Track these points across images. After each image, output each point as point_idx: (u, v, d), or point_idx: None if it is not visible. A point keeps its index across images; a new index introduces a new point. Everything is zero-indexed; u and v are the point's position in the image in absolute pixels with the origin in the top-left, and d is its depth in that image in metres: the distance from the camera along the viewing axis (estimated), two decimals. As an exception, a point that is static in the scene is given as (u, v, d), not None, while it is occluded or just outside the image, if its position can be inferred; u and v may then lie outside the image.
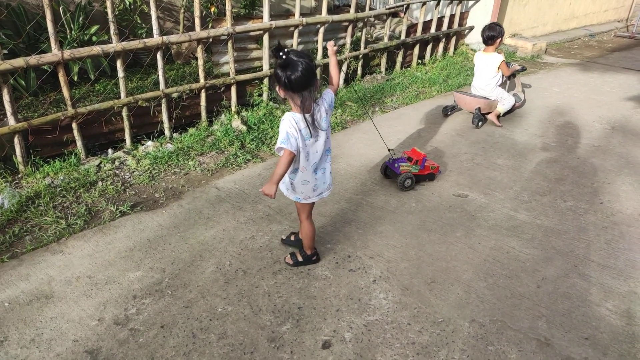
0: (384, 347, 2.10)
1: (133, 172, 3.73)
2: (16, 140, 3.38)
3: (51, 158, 3.67)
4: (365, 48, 6.07)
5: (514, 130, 4.83)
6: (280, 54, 2.02)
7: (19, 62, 3.14)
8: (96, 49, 3.49)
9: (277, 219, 3.13)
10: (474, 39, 7.93)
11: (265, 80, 5.04)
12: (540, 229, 3.05)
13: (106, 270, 2.58)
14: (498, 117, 4.98)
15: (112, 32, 3.58)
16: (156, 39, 3.85)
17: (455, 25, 7.51)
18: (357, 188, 3.58)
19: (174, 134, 4.38)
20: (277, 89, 2.10)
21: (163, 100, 4.16)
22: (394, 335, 2.17)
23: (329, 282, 2.53)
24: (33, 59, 3.19)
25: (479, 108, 4.88)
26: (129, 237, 2.89)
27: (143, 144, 4.14)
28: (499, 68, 4.76)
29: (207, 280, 2.53)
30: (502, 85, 5.04)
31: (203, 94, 4.47)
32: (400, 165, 3.53)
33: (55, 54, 3.30)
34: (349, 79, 6.15)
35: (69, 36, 4.01)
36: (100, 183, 3.49)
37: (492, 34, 4.73)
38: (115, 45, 3.59)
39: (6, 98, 3.21)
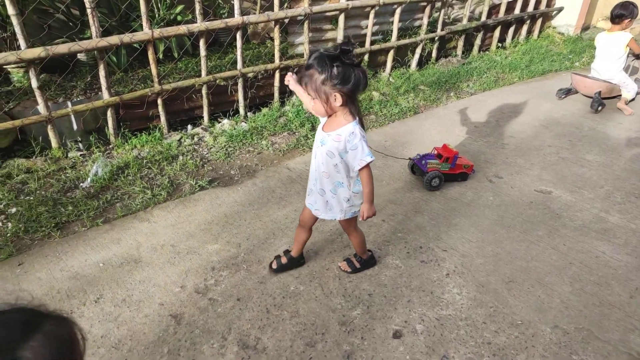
0: (457, 344, 2.06)
1: (210, 148, 3.88)
2: (109, 113, 3.63)
3: (138, 131, 3.91)
4: (442, 30, 5.82)
5: (607, 124, 4.45)
6: (350, 48, 1.71)
7: (114, 39, 3.34)
8: (182, 29, 3.63)
9: (348, 203, 3.13)
10: (563, 21, 7.35)
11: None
12: (635, 234, 2.81)
13: (187, 241, 2.73)
14: (626, 103, 4.72)
15: (197, 11, 3.69)
16: (237, 18, 3.92)
17: (543, 6, 6.99)
18: (431, 177, 3.49)
19: (248, 113, 4.49)
20: (334, 94, 1.77)
21: (240, 80, 4.26)
22: (468, 333, 2.11)
23: (399, 272, 2.50)
24: (127, 37, 3.38)
25: (599, 92, 4.60)
26: (208, 211, 3.03)
27: (220, 122, 4.29)
28: (627, 46, 4.42)
29: (279, 259, 2.59)
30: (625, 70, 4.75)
31: (277, 75, 4.53)
32: (428, 163, 3.26)
33: (146, 32, 3.47)
34: (422, 62, 5.95)
35: (157, 15, 4.20)
36: (181, 157, 3.67)
37: (622, 13, 4.39)
38: (199, 25, 3.70)
39: (102, 73, 3.44)
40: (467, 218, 2.97)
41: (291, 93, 4.78)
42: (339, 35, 4.86)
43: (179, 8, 4.38)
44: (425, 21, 5.59)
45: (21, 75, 3.90)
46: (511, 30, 6.79)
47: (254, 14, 5.24)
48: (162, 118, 3.95)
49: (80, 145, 3.67)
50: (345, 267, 2.49)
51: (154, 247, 2.67)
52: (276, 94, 4.62)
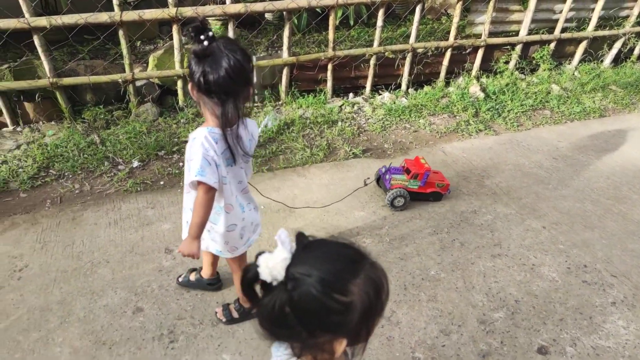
0: (614, 381, 1.82)
1: (368, 119, 3.94)
2: (284, 71, 3.91)
3: (306, 92, 4.15)
4: (656, 24, 4.91)
5: None
6: (202, 37, 1.32)
7: (303, 2, 3.53)
8: (366, -3, 3.67)
9: (504, 201, 2.93)
10: None
11: (518, 47, 4.59)
12: None
13: (338, 204, 2.85)
14: None
15: (383, -19, 3.69)
16: (420, -9, 3.83)
17: None
18: (610, 192, 3.05)
19: (410, 89, 4.42)
20: (189, 87, 1.44)
21: (409, 54, 4.20)
22: (629, 373, 1.86)
23: (555, 286, 2.28)
24: (314, 1, 3.55)
25: None
26: (358, 178, 3.11)
27: (380, 94, 4.31)
28: None
29: (423, 240, 2.57)
30: None
31: (448, 53, 4.34)
32: (393, 178, 2.79)
33: (333, -2, 3.60)
34: (620, 59, 5.13)
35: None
36: (340, 123, 3.80)
37: None
38: (383, -6, 3.71)
39: (286, 33, 3.69)
40: (649, 246, 2.55)
41: (458, 74, 4.56)
42: (526, 18, 4.43)
43: (364, -23, 4.43)
44: (636, 11, 4.77)
45: (218, 27, 4.39)
46: None
47: (435, -12, 5.05)
48: (329, 83, 4.11)
49: (256, 97, 4.04)
50: (219, 314, 2.02)
51: (307, 201, 2.85)
52: (442, 73, 4.45)
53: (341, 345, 0.82)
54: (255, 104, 3.94)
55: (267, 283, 0.79)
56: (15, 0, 2.94)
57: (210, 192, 1.50)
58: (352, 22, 4.53)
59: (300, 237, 0.84)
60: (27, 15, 2.97)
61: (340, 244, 0.85)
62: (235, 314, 2.01)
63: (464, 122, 3.92)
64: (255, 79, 1.50)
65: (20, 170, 2.97)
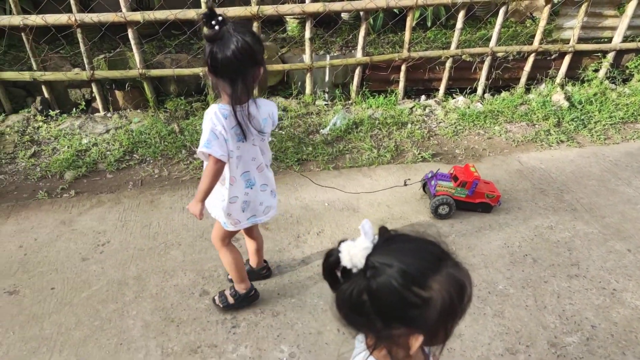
0: None
1: (439, 122, 3.84)
2: (357, 71, 3.90)
3: (376, 92, 4.12)
4: None
5: None
6: (213, 22, 1.43)
7: (381, 2, 3.51)
8: (447, -2, 3.58)
9: (585, 219, 2.72)
10: None
11: (610, 55, 4.25)
12: None
13: (401, 206, 2.81)
14: None
15: (466, -19, 3.57)
16: (506, -7, 3.66)
17: None
18: None
19: (486, 94, 4.25)
20: (206, 69, 1.55)
21: (488, 58, 4.03)
22: None
23: (638, 315, 2.08)
24: (393, 1, 3.51)
25: None
26: (415, 184, 3.04)
27: (454, 98, 4.18)
28: None
29: (492, 252, 2.45)
30: None
31: (531, 59, 4.12)
32: (439, 185, 2.66)
33: (411, -2, 3.54)
34: None
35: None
36: (409, 125, 3.74)
37: None
38: (465, -4, 3.59)
39: (362, 33, 3.69)
40: None
41: (540, 80, 4.31)
42: (622, 24, 4.09)
43: (445, -23, 4.31)
44: None
45: (295, 25, 4.48)
46: None
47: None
48: (401, 84, 4.05)
49: (327, 95, 4.08)
50: (217, 300, 2.07)
51: (371, 202, 2.83)
52: (523, 79, 4.23)
53: (417, 341, 0.81)
54: (326, 102, 3.98)
55: (347, 270, 0.81)
56: (115, -4, 3.19)
57: (218, 164, 1.61)
58: (429, 24, 4.43)
59: (383, 230, 0.85)
60: (124, 10, 3.22)
61: (425, 240, 0.84)
62: (231, 300, 2.05)
63: (544, 131, 3.69)
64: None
65: (108, 153, 3.22)
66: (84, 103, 3.71)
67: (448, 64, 4.00)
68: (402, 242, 0.83)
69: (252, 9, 3.34)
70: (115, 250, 2.40)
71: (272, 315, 2.06)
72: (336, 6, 3.49)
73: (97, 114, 3.66)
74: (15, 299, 2.11)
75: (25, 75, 3.43)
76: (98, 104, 3.66)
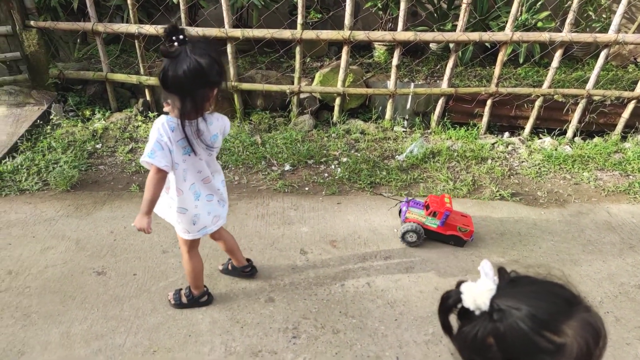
0: None
1: (522, 162, 3.68)
2: (440, 101, 3.88)
3: (457, 124, 4.06)
4: None
5: None
6: (173, 38, 1.45)
7: (474, 36, 3.49)
8: (544, 36, 3.47)
9: (683, 283, 2.47)
10: None
11: None
12: None
13: (475, 242, 2.71)
14: None
15: (568, 21, 3.45)
16: (610, 35, 3.48)
17: None
18: None
19: (576, 138, 4.02)
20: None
21: (583, 101, 3.83)
22: None
23: None
24: (486, 35, 3.48)
25: None
26: (502, 222, 2.92)
27: (540, 138, 4.01)
28: None
29: (570, 305, 2.29)
30: None
31: (630, 105, 3.86)
32: (409, 211, 2.62)
33: (506, 34, 3.48)
34: None
35: (519, 18, 4.15)
36: (489, 161, 3.63)
37: None
38: (564, 35, 3.46)
39: (450, 64, 3.68)
40: None
41: (638, 129, 4.00)
42: None
43: (544, 14, 4.20)
44: None
45: (382, 52, 4.56)
46: None
47: (626, 32, 4.54)
48: (484, 119, 3.96)
49: (406, 123, 4.08)
50: (170, 297, 2.16)
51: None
52: (619, 126, 3.96)
53: None
54: (404, 129, 3.99)
55: (467, 312, 0.80)
56: (220, 12, 3.46)
57: (159, 173, 1.65)
58: (521, 60, 4.31)
59: (502, 271, 0.85)
60: (226, 26, 3.48)
61: (551, 282, 0.82)
62: (184, 300, 2.13)
63: (639, 183, 3.42)
64: (225, 83, 1.65)
65: (196, 156, 3.45)
66: (179, 108, 4.02)
67: (538, 103, 3.86)
68: (527, 284, 0.82)
69: (344, 33, 3.47)
70: (193, 247, 2.55)
71: (332, 332, 2.07)
72: (427, 36, 3.51)
73: (189, 119, 3.95)
74: (102, 279, 2.30)
75: (133, 79, 3.80)
76: (191, 110, 3.95)
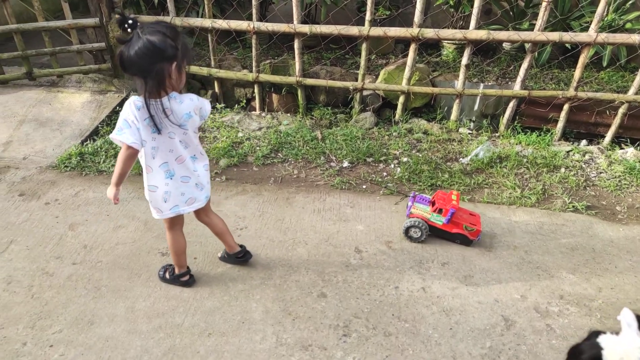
0: None
1: (600, 172, 3.41)
2: (511, 104, 3.68)
3: (529, 129, 3.83)
4: None
5: None
6: (125, 25, 1.58)
7: (553, 36, 3.27)
8: (633, 38, 3.18)
9: None
10: None
11: None
12: None
13: (543, 255, 2.55)
14: None
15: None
16: None
17: None
18: None
19: (665, 150, 3.65)
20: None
21: (675, 109, 3.48)
22: None
23: None
24: (567, 36, 3.25)
25: None
26: (574, 236, 2.72)
27: (622, 148, 3.69)
28: None
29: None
30: None
31: None
32: (414, 206, 2.61)
33: (589, 35, 3.23)
34: None
35: (605, 19, 3.84)
36: (563, 170, 3.39)
37: None
38: (658, 35, 3.15)
39: (524, 66, 3.47)
40: None
41: None
42: None
43: (634, 14, 3.85)
44: None
45: (451, 50, 4.41)
46: None
47: None
48: (559, 124, 3.71)
49: (472, 124, 3.92)
50: (160, 269, 2.30)
51: (507, 244, 2.63)
52: None
53: None
54: (470, 131, 3.83)
55: None
56: (290, 8, 3.51)
57: (128, 150, 1.74)
58: (605, 63, 3.98)
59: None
60: (295, 22, 3.51)
61: None
62: (167, 276, 2.25)
63: None
64: (184, 56, 1.69)
65: (258, 148, 3.53)
66: (244, 101, 4.14)
67: (621, 110, 3.55)
68: None
69: (413, 30, 3.39)
70: (250, 236, 2.61)
71: (383, 334, 2.03)
72: (501, 35, 3.34)
73: (253, 112, 4.04)
74: (166, 260, 2.42)
75: (204, 71, 3.96)
76: (256, 103, 4.04)
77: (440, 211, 2.53)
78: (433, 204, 2.59)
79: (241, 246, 2.37)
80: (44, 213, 2.76)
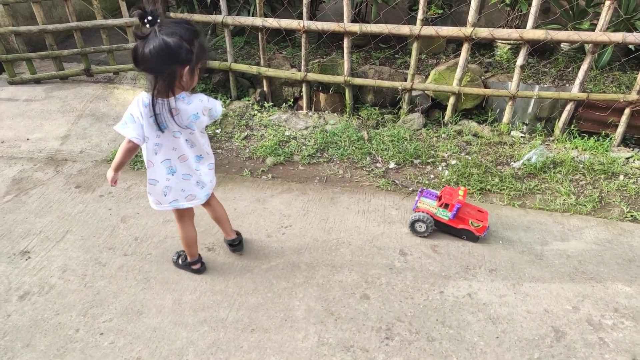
0: None
1: (665, 181, 3.19)
2: (568, 107, 3.51)
3: (586, 134, 3.65)
4: None
5: None
6: (145, 21, 1.56)
7: (616, 37, 3.08)
8: None
9: None
10: None
11: None
12: None
13: (597, 266, 2.43)
14: None
15: None
16: None
17: None
18: None
19: None
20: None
21: None
22: None
23: None
24: (631, 37, 3.04)
25: None
26: (632, 247, 2.57)
27: (691, 156, 3.43)
28: None
29: None
30: None
31: None
32: (420, 200, 2.64)
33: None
34: None
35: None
36: (621, 177, 3.21)
37: None
38: None
39: (584, 67, 3.30)
40: None
41: None
42: None
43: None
44: None
45: (505, 51, 4.26)
46: None
47: None
48: (620, 129, 3.50)
49: (525, 128, 3.77)
50: (174, 254, 2.42)
51: (560, 253, 2.52)
52: None
53: None
54: (522, 135, 3.69)
55: None
56: (340, 7, 3.51)
57: (129, 143, 1.78)
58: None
59: None
60: (345, 20, 3.52)
61: None
62: (180, 262, 2.37)
63: None
64: (199, 60, 1.67)
65: (304, 147, 3.56)
66: (292, 100, 4.19)
67: (692, 115, 3.31)
68: None
69: (466, 30, 3.30)
70: (295, 235, 2.65)
71: (427, 339, 2.01)
72: (560, 35, 3.19)
73: (300, 112, 4.09)
74: (212, 255, 2.50)
75: (253, 69, 4.04)
76: (303, 102, 4.08)
77: (446, 206, 2.55)
78: (440, 198, 2.60)
79: (237, 234, 2.46)
80: (98, 205, 2.92)
